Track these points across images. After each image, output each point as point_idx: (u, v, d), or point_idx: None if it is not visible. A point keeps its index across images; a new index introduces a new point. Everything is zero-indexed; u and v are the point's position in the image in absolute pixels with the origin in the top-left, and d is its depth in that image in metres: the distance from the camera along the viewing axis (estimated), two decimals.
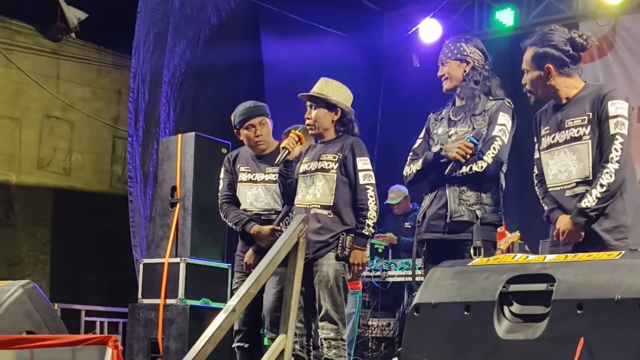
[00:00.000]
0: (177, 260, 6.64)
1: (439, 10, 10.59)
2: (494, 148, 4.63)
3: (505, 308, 3.11)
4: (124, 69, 10.34)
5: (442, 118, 4.90)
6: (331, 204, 4.99)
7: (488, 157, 4.62)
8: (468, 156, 4.60)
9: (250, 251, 5.40)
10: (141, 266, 6.98)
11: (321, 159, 5.08)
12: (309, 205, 5.03)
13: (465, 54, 4.84)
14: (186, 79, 9.02)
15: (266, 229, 5.33)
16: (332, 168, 5.03)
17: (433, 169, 4.77)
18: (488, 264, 3.37)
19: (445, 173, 4.67)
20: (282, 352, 3.98)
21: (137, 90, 8.90)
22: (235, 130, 5.61)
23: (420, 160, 4.81)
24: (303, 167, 5.15)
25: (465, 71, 4.83)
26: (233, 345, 5.43)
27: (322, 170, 5.05)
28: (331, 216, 4.98)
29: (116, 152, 11.37)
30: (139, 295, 6.90)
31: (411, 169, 4.86)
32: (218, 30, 9.43)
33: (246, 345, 5.37)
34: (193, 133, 7.00)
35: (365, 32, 11.38)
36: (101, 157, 11.35)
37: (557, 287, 2.99)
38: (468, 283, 3.24)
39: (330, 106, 5.12)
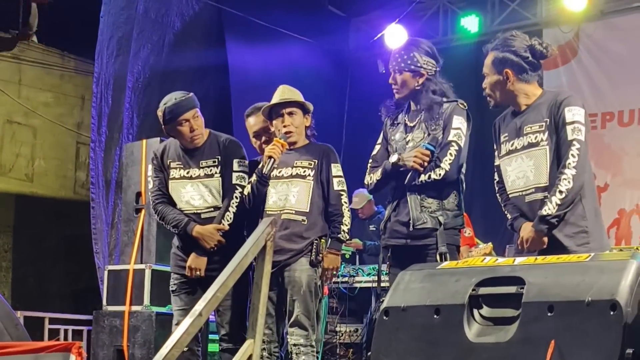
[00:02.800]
0: (142, 266, 6.56)
1: (404, 16, 10.61)
2: (451, 154, 4.62)
3: (475, 311, 3.11)
4: (88, 74, 10.25)
5: (398, 123, 4.88)
6: (307, 211, 4.96)
7: (445, 164, 4.61)
8: (425, 164, 4.61)
9: (193, 255, 5.06)
10: (106, 273, 6.90)
11: (295, 165, 5.04)
12: (281, 210, 4.98)
13: (419, 65, 4.77)
14: (150, 84, 8.94)
15: (209, 228, 5.04)
16: (309, 175, 5.01)
17: (392, 178, 4.77)
18: (458, 267, 3.37)
19: (405, 183, 4.69)
20: (250, 357, 3.93)
21: (100, 95, 8.82)
22: (164, 127, 5.18)
23: (380, 170, 4.80)
24: (274, 173, 5.07)
25: (418, 83, 4.79)
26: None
27: (298, 176, 5.02)
28: (305, 222, 4.95)
29: (80, 158, 11.26)
30: (104, 303, 6.82)
31: (371, 178, 4.86)
32: (182, 35, 9.38)
33: (185, 349, 5.10)
34: (158, 139, 6.93)
35: (330, 38, 11.38)
36: (64, 163, 11.23)
37: (527, 289, 2.99)
38: (438, 286, 3.24)
39: (305, 111, 5.12)
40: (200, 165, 5.17)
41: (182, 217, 5.11)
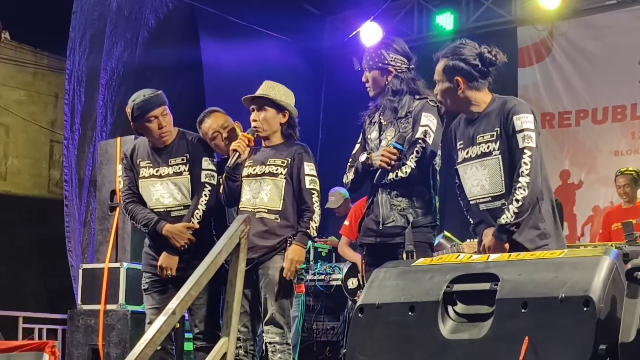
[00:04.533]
0: (117, 265, 6.52)
1: (380, 14, 10.63)
2: (417, 152, 4.62)
3: (450, 308, 3.10)
4: (61, 71, 10.16)
5: (374, 122, 4.90)
6: (279, 209, 4.95)
7: (411, 162, 4.62)
8: (393, 162, 4.62)
9: (164, 254, 5.06)
10: (80, 271, 6.85)
11: (269, 163, 5.03)
12: (254, 208, 4.97)
13: (386, 62, 4.80)
14: (124, 82, 8.89)
15: (179, 227, 5.03)
16: (281, 173, 4.99)
17: (366, 177, 4.79)
18: (432, 264, 3.36)
19: (374, 181, 4.71)
20: (225, 355, 3.91)
21: (73, 93, 8.75)
22: (132, 124, 5.16)
23: (353, 170, 4.83)
24: (247, 171, 5.07)
25: (387, 80, 4.82)
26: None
27: (271, 174, 5.00)
28: (278, 220, 4.94)
29: (54, 157, 11.18)
30: (78, 301, 6.77)
31: (347, 177, 4.91)
32: (156, 32, 9.34)
33: (158, 348, 5.04)
34: (132, 136, 6.88)
35: (306, 36, 11.38)
36: (38, 161, 11.15)
37: (502, 286, 3.00)
38: (412, 283, 3.23)
39: (279, 108, 5.08)
40: (169, 164, 5.16)
41: (152, 216, 5.10)
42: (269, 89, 5.10)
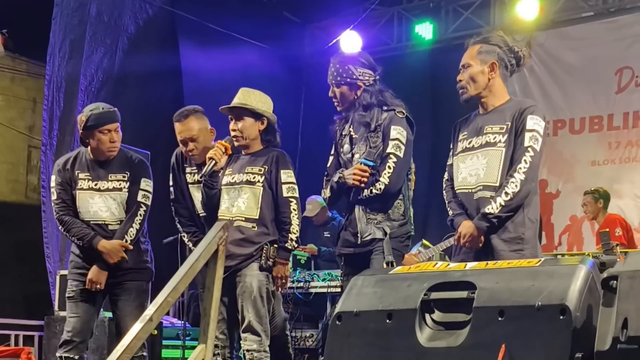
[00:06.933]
0: None
1: (359, 22, 10.67)
2: (389, 167, 4.65)
3: (427, 316, 3.11)
4: (39, 77, 10.11)
5: (345, 135, 4.91)
6: (256, 217, 4.95)
7: (385, 178, 4.65)
8: (365, 179, 4.65)
9: (95, 269, 5.05)
10: (57, 277, 6.82)
11: (246, 171, 5.03)
12: (232, 217, 4.96)
13: (354, 77, 4.81)
14: (103, 87, 8.87)
15: (115, 244, 5.06)
16: (258, 181, 4.99)
17: (342, 192, 4.83)
18: (409, 272, 3.37)
19: (351, 199, 4.75)
20: None
21: (52, 98, 8.71)
22: (83, 132, 5.17)
23: (329, 186, 4.87)
24: (226, 179, 5.07)
25: (357, 95, 4.82)
26: (58, 354, 5.09)
27: (248, 182, 5.00)
28: (255, 229, 4.94)
29: (32, 162, 11.09)
30: (55, 308, 6.74)
31: (324, 193, 4.95)
32: (136, 38, 9.32)
33: (76, 357, 5.05)
34: None
35: (286, 44, 11.39)
36: (15, 167, 11.06)
37: (478, 294, 3.01)
38: (390, 291, 3.24)
39: (256, 116, 5.08)
40: (109, 179, 5.21)
41: (88, 231, 5.12)
42: (246, 97, 5.09)
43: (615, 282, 2.75)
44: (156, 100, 9.16)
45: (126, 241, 5.08)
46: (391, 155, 4.66)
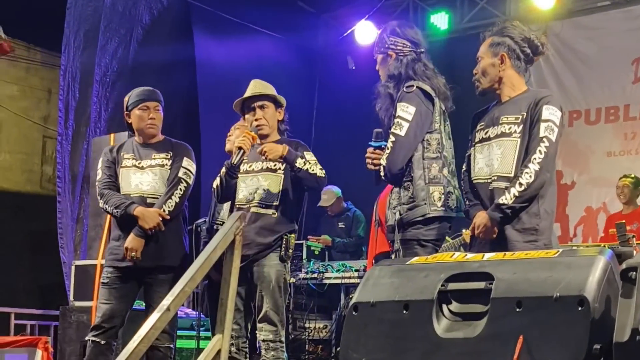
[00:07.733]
0: None
1: (374, 12, 10.62)
2: (387, 148, 4.49)
3: (444, 306, 3.10)
4: (54, 67, 10.14)
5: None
6: (277, 204, 4.94)
7: (382, 160, 4.51)
8: (376, 161, 4.54)
9: (132, 236, 5.06)
10: (73, 268, 6.84)
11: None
12: (250, 204, 4.95)
13: (386, 45, 4.69)
14: (119, 78, 8.88)
15: (151, 210, 5.10)
16: (279, 168, 4.98)
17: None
18: (427, 263, 3.36)
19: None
20: (219, 352, 3.91)
21: (67, 88, 8.74)
22: (126, 113, 5.35)
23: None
24: (243, 167, 5.06)
25: (389, 64, 4.65)
26: (87, 337, 5.12)
27: (269, 170, 5.00)
28: (275, 215, 4.93)
29: (46, 153, 11.14)
30: (70, 298, 6.77)
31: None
32: (151, 28, 9.31)
33: (102, 342, 5.05)
34: (126, 132, 6.86)
35: (300, 34, 11.37)
36: (30, 157, 11.11)
37: (496, 285, 3.00)
38: (407, 282, 3.23)
39: (277, 105, 5.10)
40: (153, 157, 5.30)
41: (126, 200, 5.17)
42: (265, 87, 5.11)
43: (634, 273, 2.73)
44: (170, 89, 9.15)
45: (164, 211, 5.11)
46: (390, 135, 4.50)
